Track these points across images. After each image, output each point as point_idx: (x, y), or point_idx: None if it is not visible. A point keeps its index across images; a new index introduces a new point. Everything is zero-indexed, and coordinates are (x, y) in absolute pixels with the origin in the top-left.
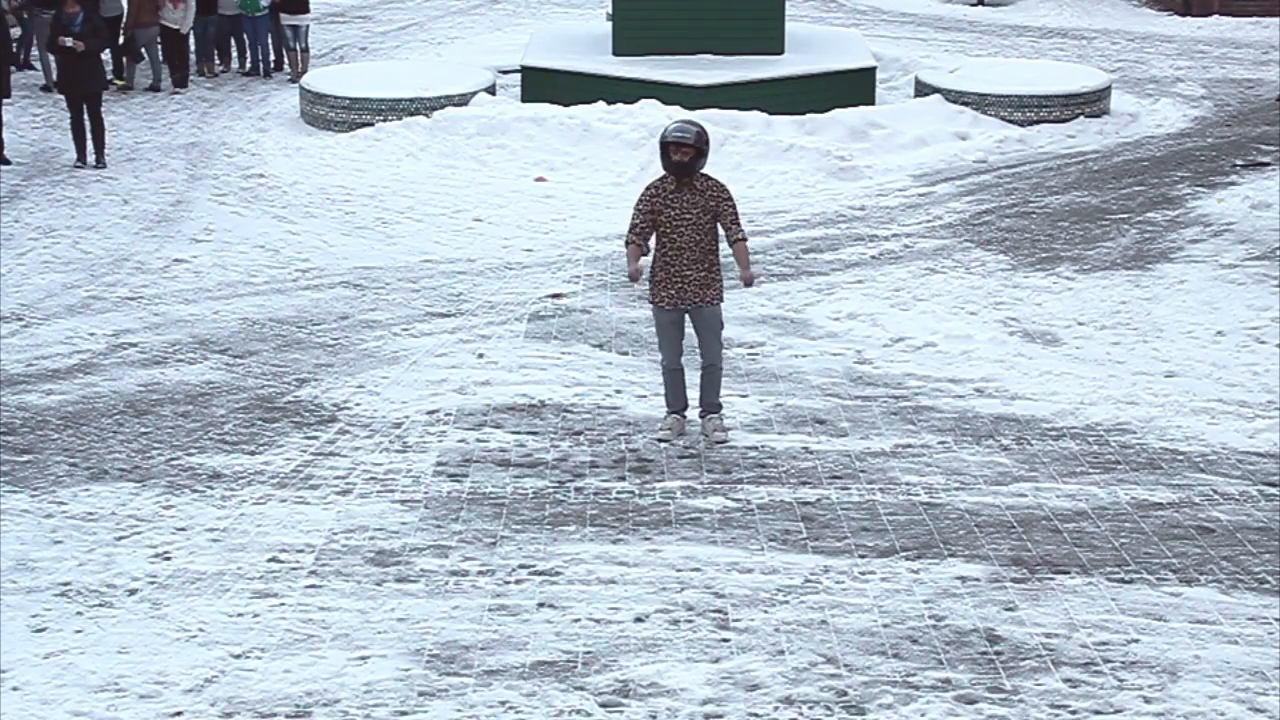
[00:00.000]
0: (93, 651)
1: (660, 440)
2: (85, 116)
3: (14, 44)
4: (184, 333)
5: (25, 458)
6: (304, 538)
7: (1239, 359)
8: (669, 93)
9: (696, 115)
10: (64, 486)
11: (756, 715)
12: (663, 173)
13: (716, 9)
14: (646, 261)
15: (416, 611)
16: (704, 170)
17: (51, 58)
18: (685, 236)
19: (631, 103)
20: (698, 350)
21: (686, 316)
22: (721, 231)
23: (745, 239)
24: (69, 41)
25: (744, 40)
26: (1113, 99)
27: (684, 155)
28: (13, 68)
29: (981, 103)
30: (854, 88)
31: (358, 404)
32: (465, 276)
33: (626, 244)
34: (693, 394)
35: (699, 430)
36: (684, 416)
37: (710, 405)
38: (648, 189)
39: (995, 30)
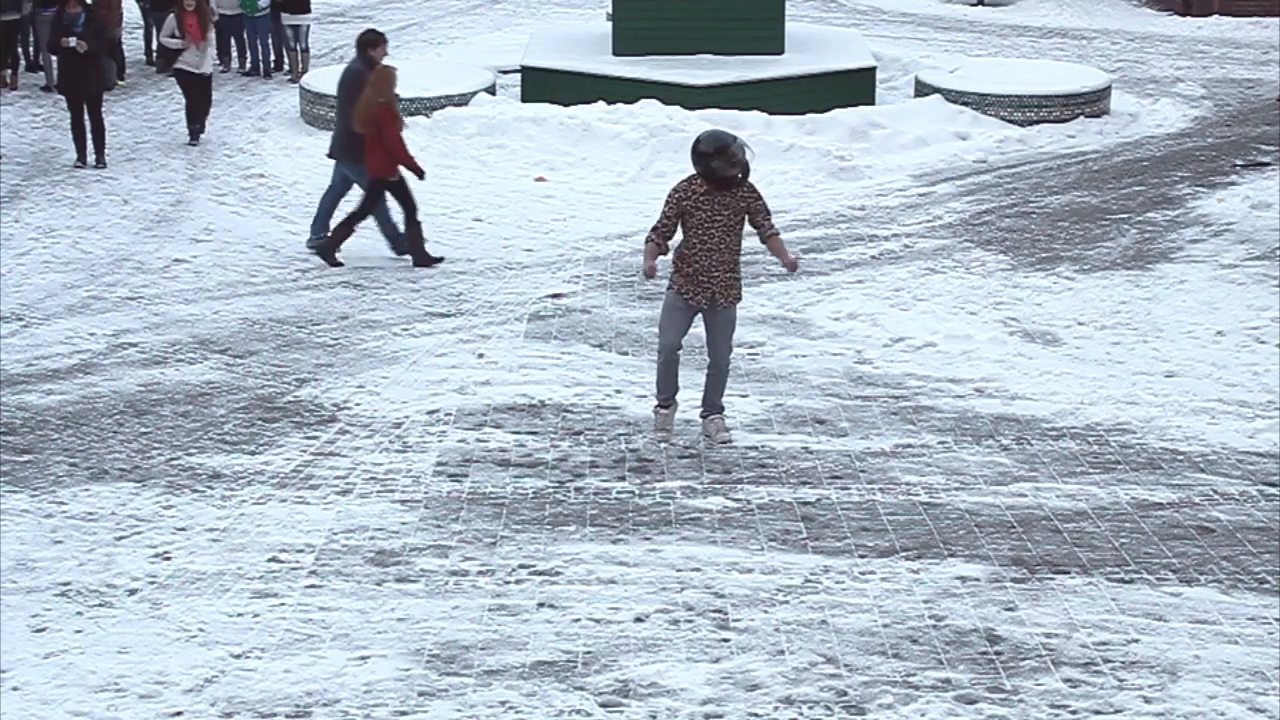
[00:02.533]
0: (93, 651)
1: (659, 440)
2: (86, 117)
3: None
4: (184, 333)
5: (25, 458)
6: (304, 538)
7: (1239, 359)
8: (669, 93)
9: (696, 115)
10: (64, 486)
11: (756, 715)
12: (691, 172)
13: (716, 9)
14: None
15: (416, 611)
16: None
17: (53, 58)
18: (715, 238)
19: (631, 103)
20: (704, 351)
21: (701, 313)
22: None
23: (778, 233)
24: (72, 42)
25: (744, 40)
26: (1113, 99)
27: (733, 172)
28: (15, 68)
29: (981, 103)
30: (854, 88)
31: (358, 404)
32: (465, 276)
33: (646, 241)
34: (697, 393)
35: (699, 430)
36: (674, 403)
37: (712, 405)
38: (678, 190)
39: (995, 30)
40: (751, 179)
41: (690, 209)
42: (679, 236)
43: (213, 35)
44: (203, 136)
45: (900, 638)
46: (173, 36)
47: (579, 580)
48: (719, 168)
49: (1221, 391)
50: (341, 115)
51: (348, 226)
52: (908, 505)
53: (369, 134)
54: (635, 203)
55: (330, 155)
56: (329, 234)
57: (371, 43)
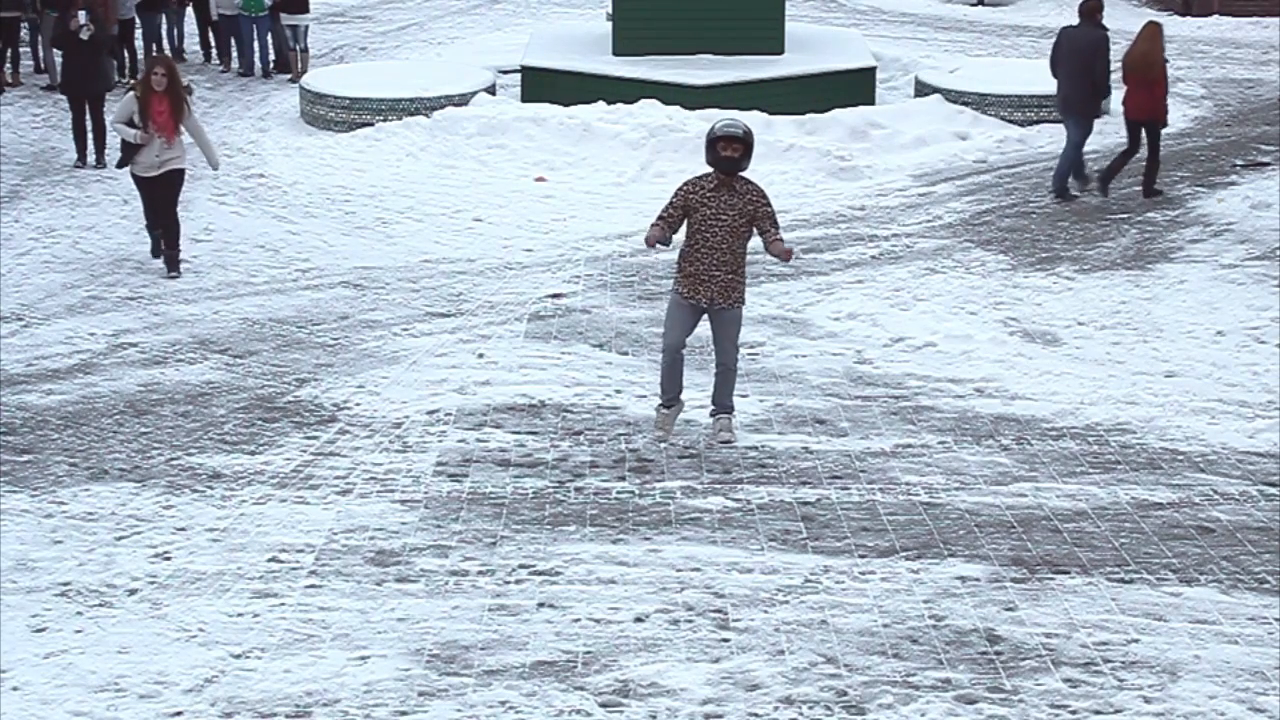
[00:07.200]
0: (93, 651)
1: (659, 440)
2: (87, 117)
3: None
4: (184, 333)
5: (25, 458)
6: (304, 538)
7: (1239, 359)
8: (669, 93)
9: (696, 115)
10: (64, 486)
11: (756, 715)
12: (704, 170)
13: (716, 9)
14: (677, 239)
15: (416, 611)
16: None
17: (57, 58)
18: (718, 237)
19: (631, 103)
20: (711, 351)
21: (705, 315)
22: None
23: (782, 240)
24: (83, 17)
25: (744, 40)
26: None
27: (734, 151)
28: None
29: (981, 103)
30: (854, 88)
31: (358, 404)
32: (465, 276)
33: (651, 226)
34: (699, 393)
35: (701, 430)
36: (678, 403)
37: (722, 405)
38: (686, 183)
39: (995, 30)
40: (754, 179)
41: (696, 204)
42: (683, 236)
43: (188, 130)
44: (181, 261)
45: (900, 638)
46: (130, 124)
47: (579, 580)
48: (721, 148)
49: (1221, 391)
50: (1080, 75)
51: (1120, 164)
52: (908, 505)
53: (1139, 81)
54: (635, 203)
55: (1061, 112)
56: (1099, 175)
57: (1098, 8)
